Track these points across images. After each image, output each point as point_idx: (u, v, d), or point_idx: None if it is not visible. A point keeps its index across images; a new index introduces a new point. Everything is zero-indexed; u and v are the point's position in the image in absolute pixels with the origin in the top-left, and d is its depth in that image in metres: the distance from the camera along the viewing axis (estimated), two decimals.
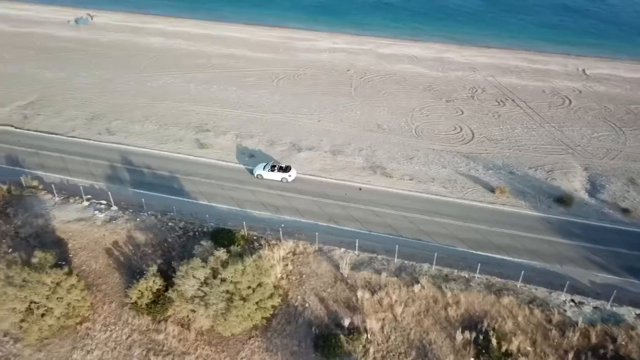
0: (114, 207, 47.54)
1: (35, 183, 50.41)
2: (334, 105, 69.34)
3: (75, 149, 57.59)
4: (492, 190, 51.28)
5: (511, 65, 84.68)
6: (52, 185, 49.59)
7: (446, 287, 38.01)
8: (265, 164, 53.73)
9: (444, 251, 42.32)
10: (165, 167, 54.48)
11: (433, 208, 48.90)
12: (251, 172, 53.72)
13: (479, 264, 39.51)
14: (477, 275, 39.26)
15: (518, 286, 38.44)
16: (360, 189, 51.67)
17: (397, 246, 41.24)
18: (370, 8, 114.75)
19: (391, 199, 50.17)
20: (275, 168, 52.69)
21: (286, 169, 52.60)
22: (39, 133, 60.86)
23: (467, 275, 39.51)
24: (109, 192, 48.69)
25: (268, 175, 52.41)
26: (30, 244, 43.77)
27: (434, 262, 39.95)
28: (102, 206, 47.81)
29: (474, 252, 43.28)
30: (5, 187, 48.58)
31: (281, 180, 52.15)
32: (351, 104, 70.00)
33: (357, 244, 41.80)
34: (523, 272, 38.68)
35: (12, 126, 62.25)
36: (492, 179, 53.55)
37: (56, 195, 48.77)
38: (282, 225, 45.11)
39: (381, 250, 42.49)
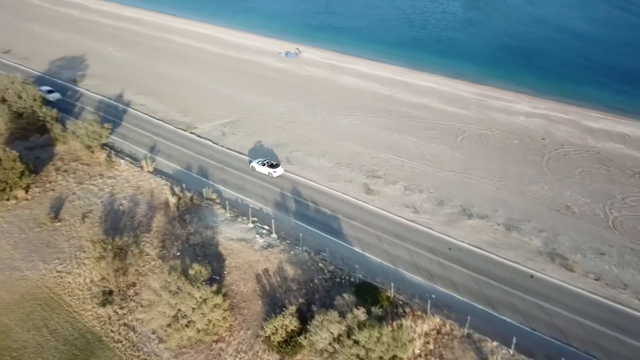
0: (274, 235, 49.09)
1: (214, 196, 54.90)
2: (519, 174, 63.21)
3: (255, 172, 61.53)
4: None
5: None
6: (227, 202, 53.31)
7: None
8: (259, 159, 61.39)
9: None
10: (329, 205, 54.87)
11: (619, 321, 40.44)
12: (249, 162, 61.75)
13: None
14: None
15: None
16: (532, 276, 45.38)
17: (562, 358, 34.73)
18: (589, 75, 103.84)
19: (567, 297, 42.95)
20: (266, 164, 59.97)
21: (274, 166, 59.78)
22: (229, 150, 66.75)
23: None
24: (273, 220, 50.52)
25: (259, 168, 60.27)
26: (196, 252, 47.30)
27: None
28: (264, 231, 49.80)
29: None
30: (189, 195, 53.71)
31: (268, 174, 59.12)
32: (539, 176, 63.07)
33: (514, 341, 36.29)
34: None
35: (210, 141, 69.34)
36: None
37: (228, 211, 52.27)
38: (433, 296, 41.52)
39: (541, 357, 36.27)
